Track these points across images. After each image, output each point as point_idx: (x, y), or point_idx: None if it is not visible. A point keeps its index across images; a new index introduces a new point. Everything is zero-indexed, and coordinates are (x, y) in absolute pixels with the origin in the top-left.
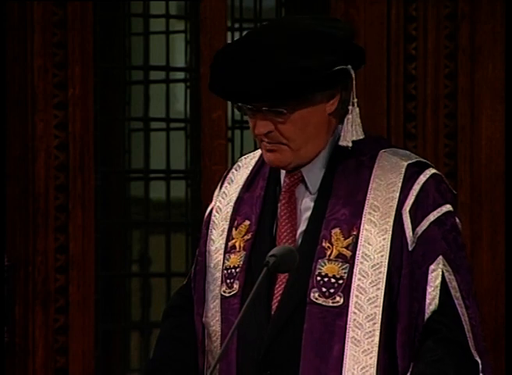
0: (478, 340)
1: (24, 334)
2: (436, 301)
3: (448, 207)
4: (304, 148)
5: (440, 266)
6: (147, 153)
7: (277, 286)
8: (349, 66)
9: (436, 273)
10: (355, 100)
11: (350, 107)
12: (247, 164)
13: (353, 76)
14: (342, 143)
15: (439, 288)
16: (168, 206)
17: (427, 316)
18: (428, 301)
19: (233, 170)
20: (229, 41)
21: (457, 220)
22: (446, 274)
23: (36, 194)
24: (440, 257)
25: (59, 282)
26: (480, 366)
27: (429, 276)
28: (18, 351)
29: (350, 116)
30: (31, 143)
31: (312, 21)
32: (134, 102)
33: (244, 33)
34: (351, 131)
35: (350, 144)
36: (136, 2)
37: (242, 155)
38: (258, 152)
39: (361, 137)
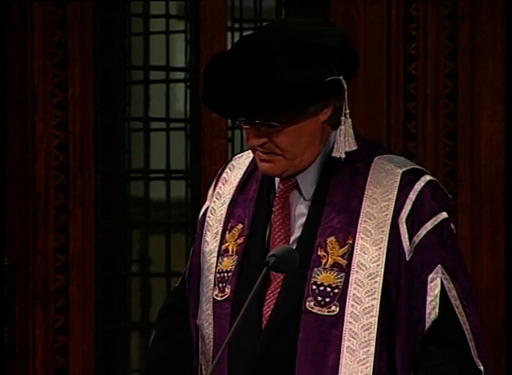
0: (480, 347)
1: (24, 334)
2: (436, 310)
3: (444, 214)
4: (299, 157)
5: (439, 274)
6: (147, 153)
7: (269, 292)
8: (341, 77)
9: (435, 282)
10: (347, 111)
11: (343, 118)
12: (240, 164)
13: (345, 87)
14: (335, 154)
15: (438, 297)
16: (168, 206)
17: (427, 325)
18: (428, 310)
19: (227, 170)
20: (229, 41)
21: (453, 226)
22: (445, 283)
23: (36, 194)
24: (439, 266)
25: (59, 282)
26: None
27: (428, 286)
28: (18, 351)
29: (342, 127)
30: (31, 143)
31: (305, 28)
32: (134, 102)
33: (244, 33)
34: (344, 142)
35: (343, 156)
36: (136, 2)
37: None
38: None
39: (354, 149)
